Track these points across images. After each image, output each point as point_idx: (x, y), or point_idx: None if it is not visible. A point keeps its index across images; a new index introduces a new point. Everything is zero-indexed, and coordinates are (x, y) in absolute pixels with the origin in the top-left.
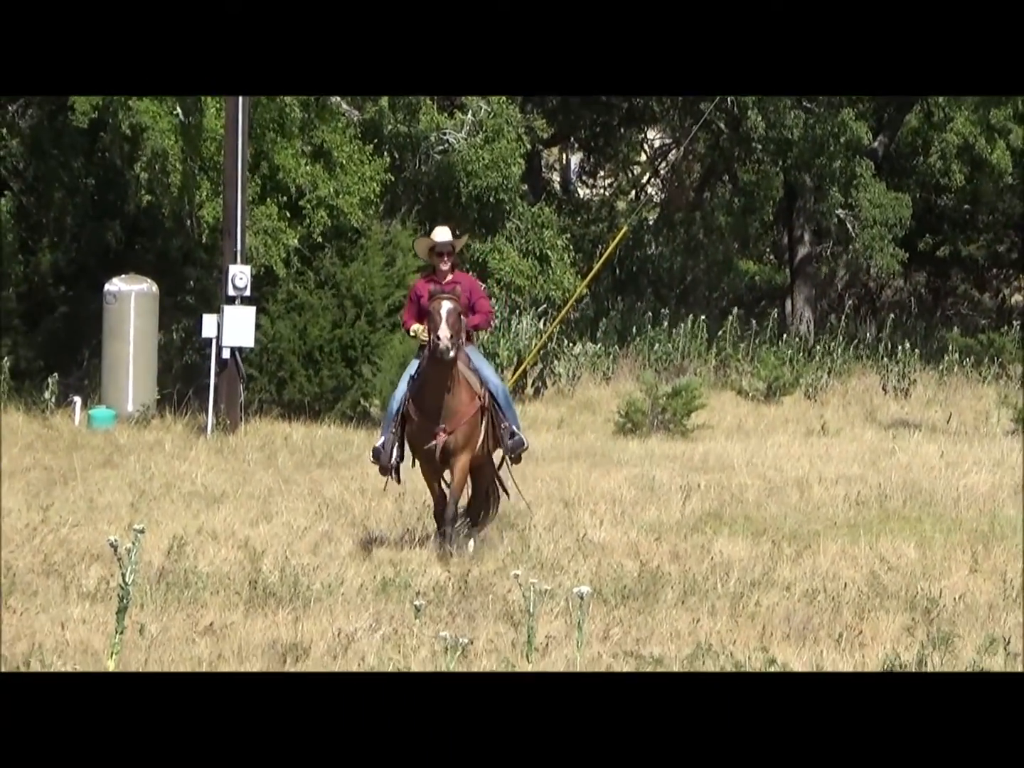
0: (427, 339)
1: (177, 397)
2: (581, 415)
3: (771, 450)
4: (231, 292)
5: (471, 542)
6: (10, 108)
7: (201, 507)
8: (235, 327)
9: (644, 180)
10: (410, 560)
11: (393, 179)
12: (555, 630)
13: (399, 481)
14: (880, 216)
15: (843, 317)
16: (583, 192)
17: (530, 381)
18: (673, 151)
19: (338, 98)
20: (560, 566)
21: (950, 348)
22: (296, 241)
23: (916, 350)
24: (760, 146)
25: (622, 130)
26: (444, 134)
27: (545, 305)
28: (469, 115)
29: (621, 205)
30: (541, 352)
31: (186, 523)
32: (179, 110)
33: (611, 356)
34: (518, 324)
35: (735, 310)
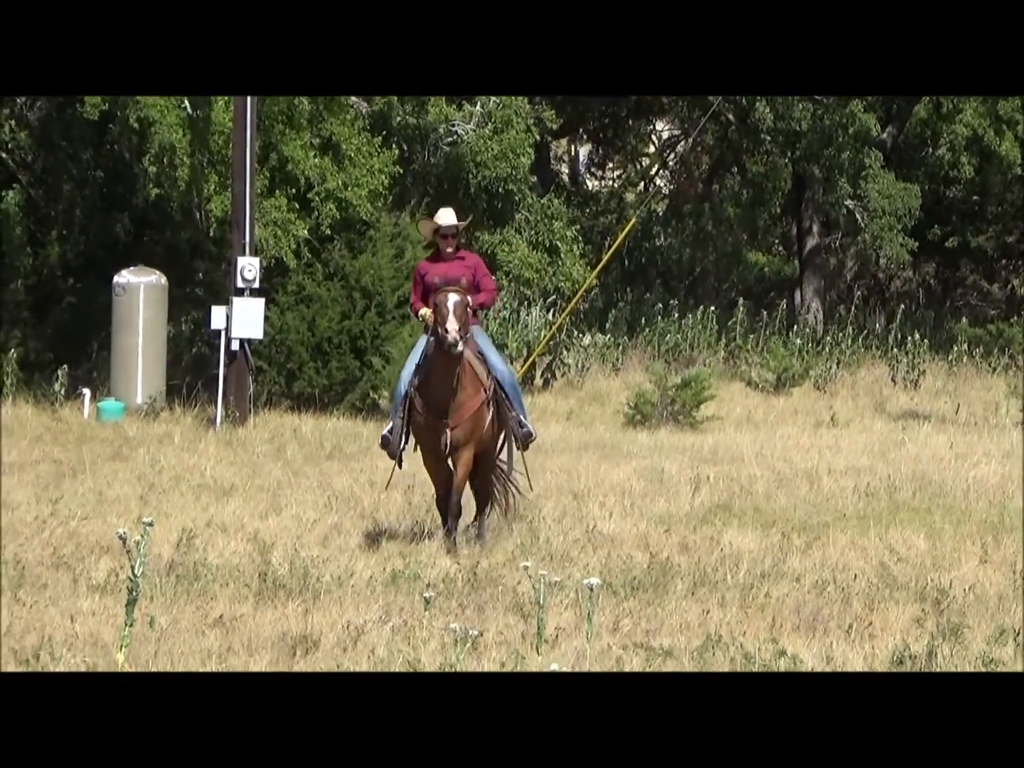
0: (434, 330)
1: (186, 389)
2: (590, 406)
3: (780, 441)
4: (240, 284)
5: (483, 532)
6: (19, 101)
7: (210, 499)
8: (244, 319)
9: (653, 172)
10: (419, 552)
11: (402, 171)
12: (565, 622)
13: (400, 466)
14: (889, 206)
15: (852, 308)
16: (592, 184)
17: (539, 372)
18: (682, 143)
19: None
20: (570, 558)
21: (959, 339)
22: (306, 232)
23: (925, 341)
24: (769, 138)
25: (631, 122)
26: (453, 126)
27: (554, 296)
28: (478, 107)
29: (630, 197)
30: (550, 343)
31: (195, 515)
32: (187, 104)
33: (620, 347)
34: (527, 316)
35: (744, 301)
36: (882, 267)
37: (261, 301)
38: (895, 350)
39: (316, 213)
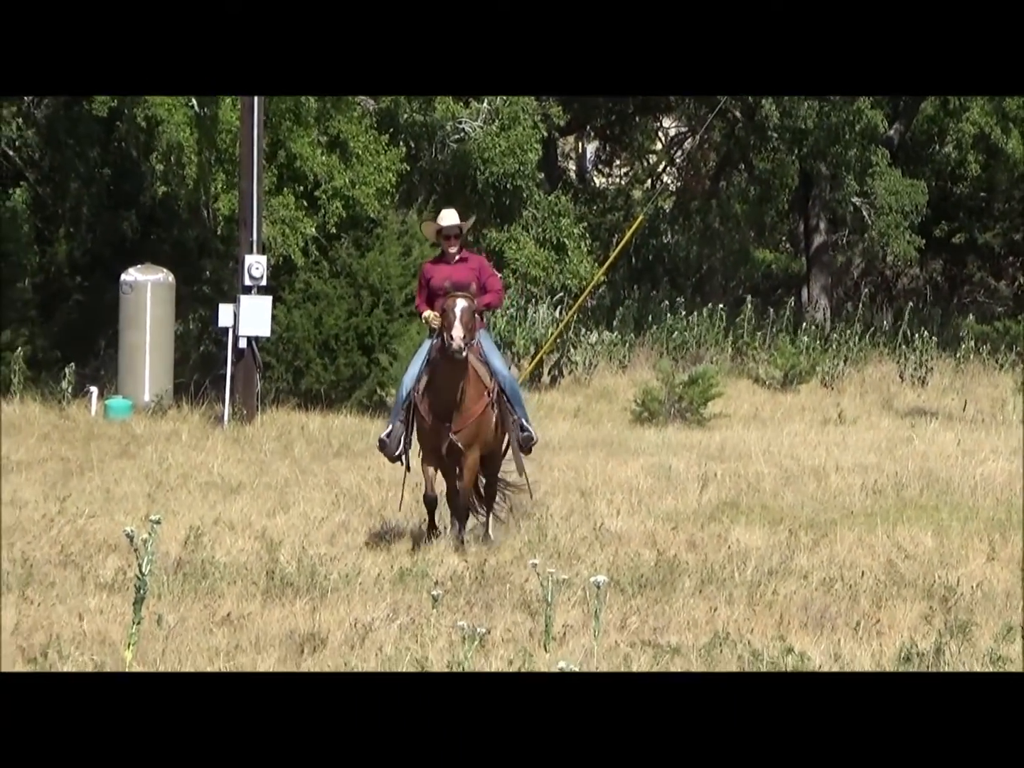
0: (440, 332)
1: (194, 387)
2: (598, 404)
3: (788, 438)
4: (247, 282)
5: (491, 529)
6: (26, 99)
7: (218, 497)
8: (251, 317)
9: (660, 169)
10: (427, 550)
11: (409, 169)
12: (572, 619)
13: (409, 469)
14: (896, 203)
15: (859, 305)
16: (599, 181)
17: (547, 370)
18: (689, 140)
19: None
20: (577, 555)
21: (966, 336)
22: (313, 230)
23: (933, 338)
24: (775, 135)
25: (638, 119)
26: (460, 122)
27: (562, 294)
28: (485, 104)
29: (637, 194)
30: (558, 341)
31: (203, 513)
32: (194, 102)
33: (627, 345)
34: (535, 313)
35: (751, 298)
36: (889, 264)
37: (268, 299)
38: (902, 347)
39: (323, 211)
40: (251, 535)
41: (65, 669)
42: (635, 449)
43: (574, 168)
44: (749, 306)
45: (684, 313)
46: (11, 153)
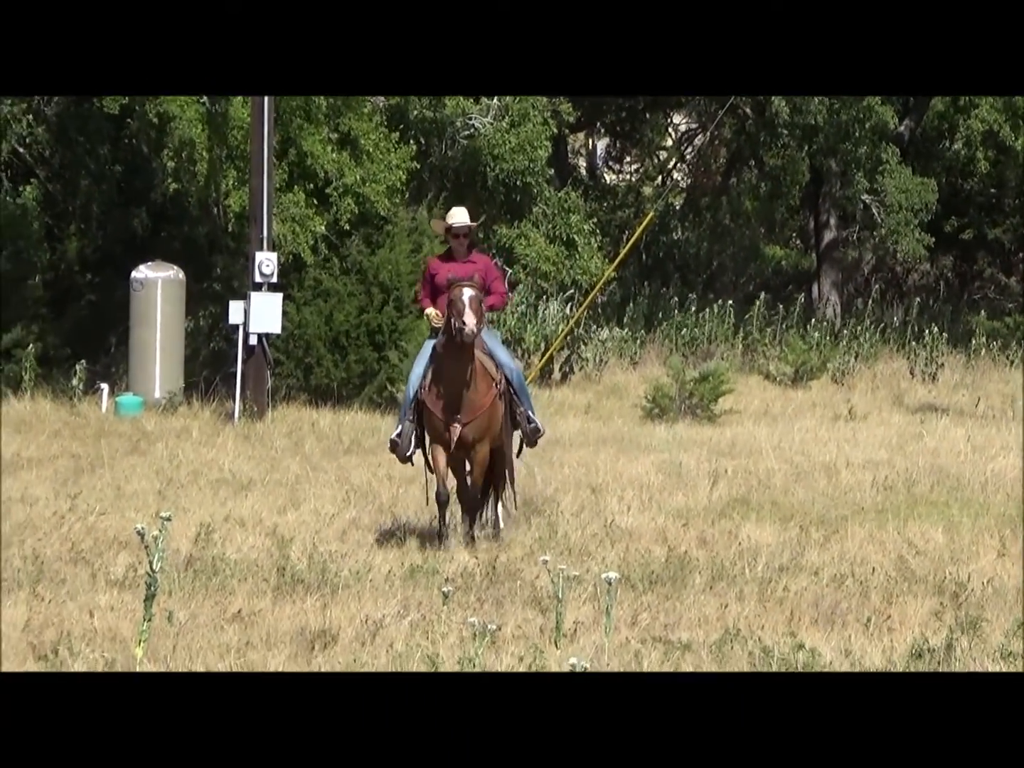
0: (443, 325)
1: (204, 384)
2: (608, 400)
3: (798, 435)
4: (258, 279)
5: (498, 528)
6: (35, 96)
7: (229, 494)
8: (262, 314)
9: (670, 165)
10: (438, 546)
11: (419, 166)
12: (583, 616)
13: (426, 463)
14: (906, 201)
15: (870, 301)
16: (609, 178)
17: (557, 366)
18: (699, 136)
19: None
20: (588, 552)
21: (977, 332)
22: (323, 228)
23: (943, 334)
24: (786, 131)
25: (648, 115)
26: (470, 119)
27: (572, 290)
28: (495, 100)
29: (647, 190)
30: (568, 337)
31: (214, 510)
32: (205, 99)
33: (638, 341)
34: (545, 310)
35: (762, 295)
36: (899, 260)
37: (279, 296)
38: (913, 343)
39: (334, 208)
40: (262, 532)
41: (76, 666)
42: (646, 446)
43: (584, 165)
44: (760, 302)
45: (694, 309)
46: (21, 150)
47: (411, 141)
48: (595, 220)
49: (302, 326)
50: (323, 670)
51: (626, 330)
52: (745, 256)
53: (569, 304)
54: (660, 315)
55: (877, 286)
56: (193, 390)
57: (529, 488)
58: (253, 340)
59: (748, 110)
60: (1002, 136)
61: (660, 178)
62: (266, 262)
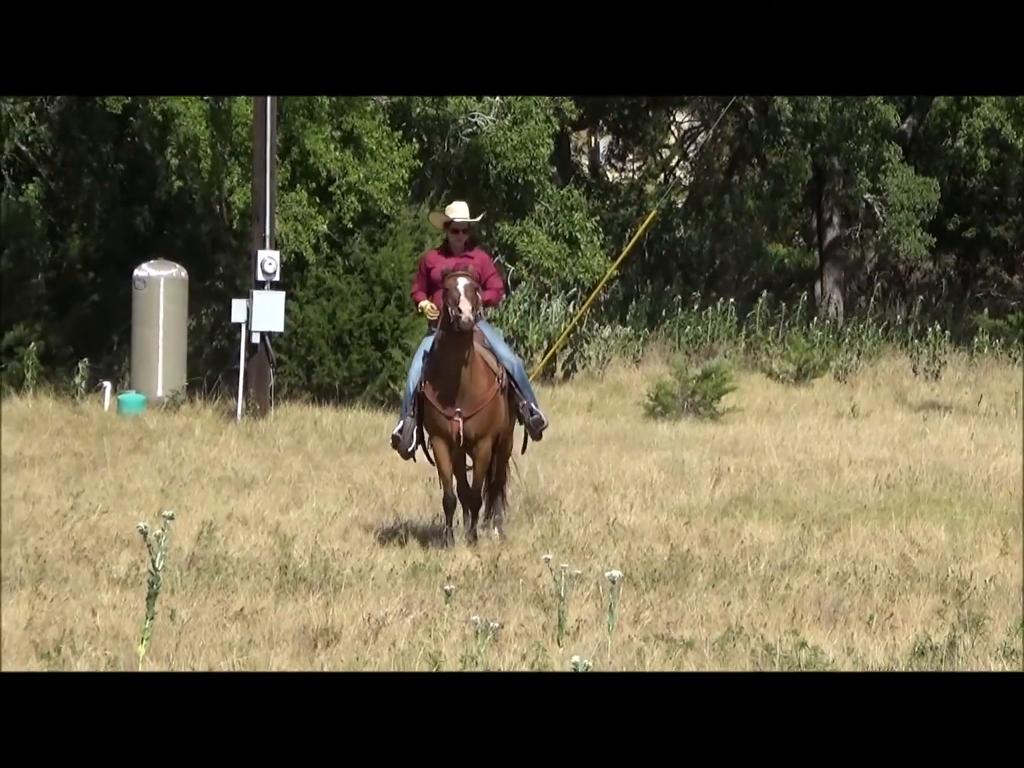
0: (437, 316)
1: (207, 382)
2: (611, 398)
3: (801, 433)
4: (260, 277)
5: (498, 525)
6: (39, 95)
7: (231, 492)
8: (264, 312)
9: (673, 163)
10: (440, 545)
11: (422, 164)
12: (586, 614)
13: (428, 460)
14: (908, 201)
15: (872, 299)
16: (612, 175)
17: (560, 364)
18: (702, 134)
19: None
20: (590, 550)
21: (980, 330)
22: (326, 227)
23: (946, 332)
24: (788, 130)
25: (650, 113)
26: (472, 116)
27: (575, 288)
28: (497, 98)
29: (650, 188)
30: (571, 335)
31: (216, 508)
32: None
33: (641, 339)
34: (548, 308)
35: (764, 293)
36: (902, 259)
37: (281, 294)
38: (916, 341)
39: (337, 206)
40: (264, 530)
41: (78, 664)
42: (648, 444)
43: (587, 162)
44: (762, 300)
45: (697, 308)
46: (24, 149)
47: (413, 139)
48: (598, 218)
49: (305, 324)
50: (325, 668)
51: (629, 328)
52: (748, 254)
53: (572, 302)
54: (663, 313)
55: (880, 284)
56: (196, 388)
57: (532, 486)
58: (256, 338)
59: (751, 108)
60: (1004, 134)
61: (663, 176)
62: (269, 260)
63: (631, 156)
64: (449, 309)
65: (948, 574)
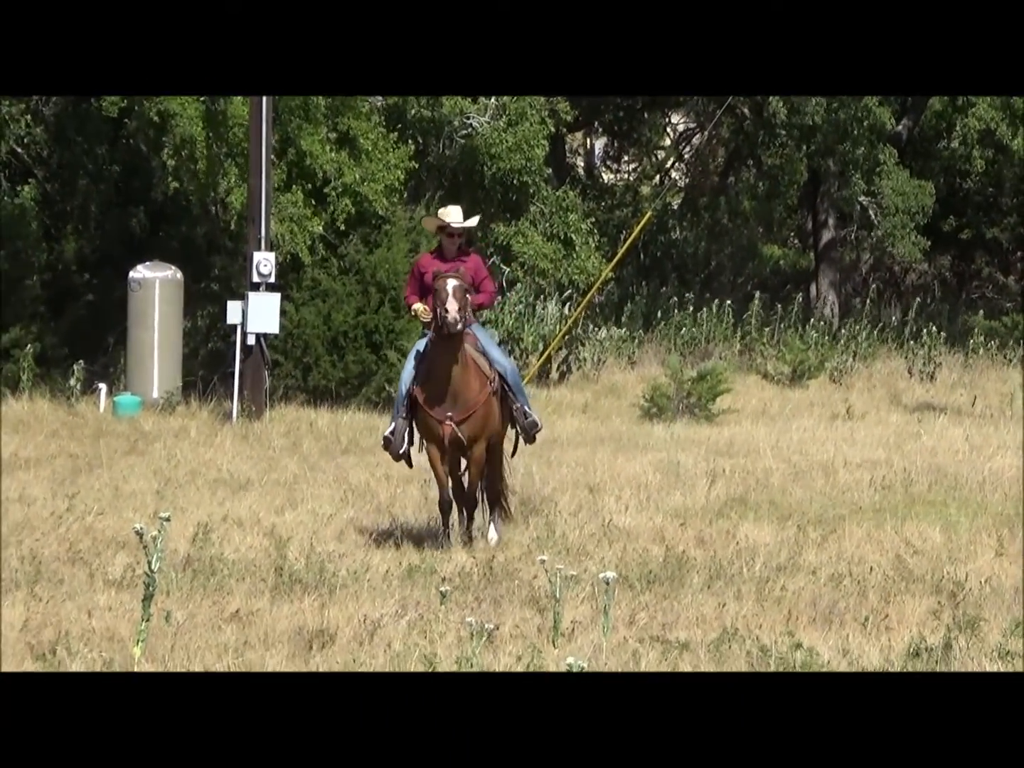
0: (429, 318)
1: (202, 384)
2: (606, 400)
3: (796, 434)
4: (255, 279)
5: (493, 527)
6: (34, 96)
7: (226, 494)
8: (260, 314)
9: (668, 165)
10: (436, 546)
11: (417, 165)
12: (581, 615)
13: (411, 466)
14: (903, 204)
15: (867, 301)
16: (607, 177)
17: (555, 366)
18: (697, 135)
19: None
20: (586, 551)
21: (975, 331)
22: (321, 228)
23: (941, 333)
24: (784, 131)
25: (646, 115)
26: (467, 118)
27: (570, 290)
28: (492, 99)
29: (645, 190)
30: (566, 337)
31: (211, 510)
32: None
33: (636, 341)
34: (543, 309)
35: (760, 294)
36: (897, 260)
37: (277, 296)
38: (911, 343)
39: (332, 208)
40: (260, 532)
41: (74, 666)
42: (643, 445)
43: (582, 164)
44: (757, 302)
45: (692, 309)
46: (19, 150)
47: (409, 140)
48: (593, 219)
49: (300, 326)
50: (321, 670)
51: (624, 330)
52: (743, 256)
53: (567, 304)
54: (658, 315)
55: (875, 285)
56: (191, 390)
57: (527, 488)
58: (251, 340)
59: (746, 110)
60: (999, 135)
61: (658, 177)
62: (264, 262)
63: (626, 157)
64: (437, 310)
65: (943, 575)
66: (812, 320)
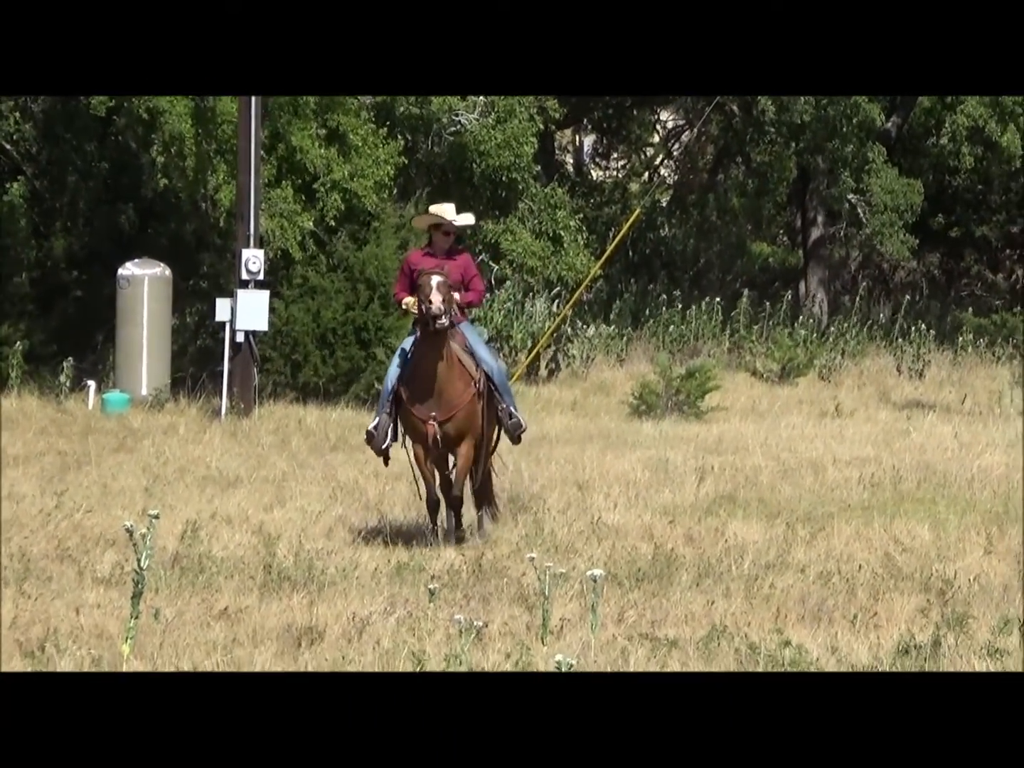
0: (417, 312)
1: (191, 381)
2: (595, 397)
3: (785, 432)
4: (244, 276)
5: (483, 525)
6: (22, 96)
7: (215, 491)
8: (249, 311)
9: (657, 162)
10: (424, 544)
11: (406, 162)
12: (570, 613)
13: (387, 463)
14: (891, 202)
15: (857, 298)
16: (596, 174)
17: (544, 363)
18: (686, 133)
19: None
20: (574, 549)
21: (964, 329)
22: (311, 224)
23: (930, 331)
24: (772, 129)
25: (635, 112)
26: (456, 115)
27: (559, 288)
28: (480, 96)
29: (634, 187)
30: (555, 334)
31: (200, 507)
32: None
33: (625, 338)
34: (532, 307)
35: (748, 292)
36: (886, 258)
37: (265, 293)
38: (900, 340)
39: (322, 204)
40: (248, 529)
41: (62, 663)
42: (632, 442)
43: (571, 161)
44: (746, 299)
45: (681, 306)
46: (8, 147)
47: (398, 137)
48: (581, 216)
49: (289, 323)
50: (309, 667)
51: (613, 327)
52: (732, 253)
53: (556, 301)
54: (647, 312)
55: (864, 283)
56: (180, 387)
57: (516, 485)
58: (240, 337)
59: (735, 107)
60: (988, 132)
61: (647, 175)
62: (253, 259)
63: (615, 154)
64: (422, 306)
65: (932, 573)
66: (801, 318)
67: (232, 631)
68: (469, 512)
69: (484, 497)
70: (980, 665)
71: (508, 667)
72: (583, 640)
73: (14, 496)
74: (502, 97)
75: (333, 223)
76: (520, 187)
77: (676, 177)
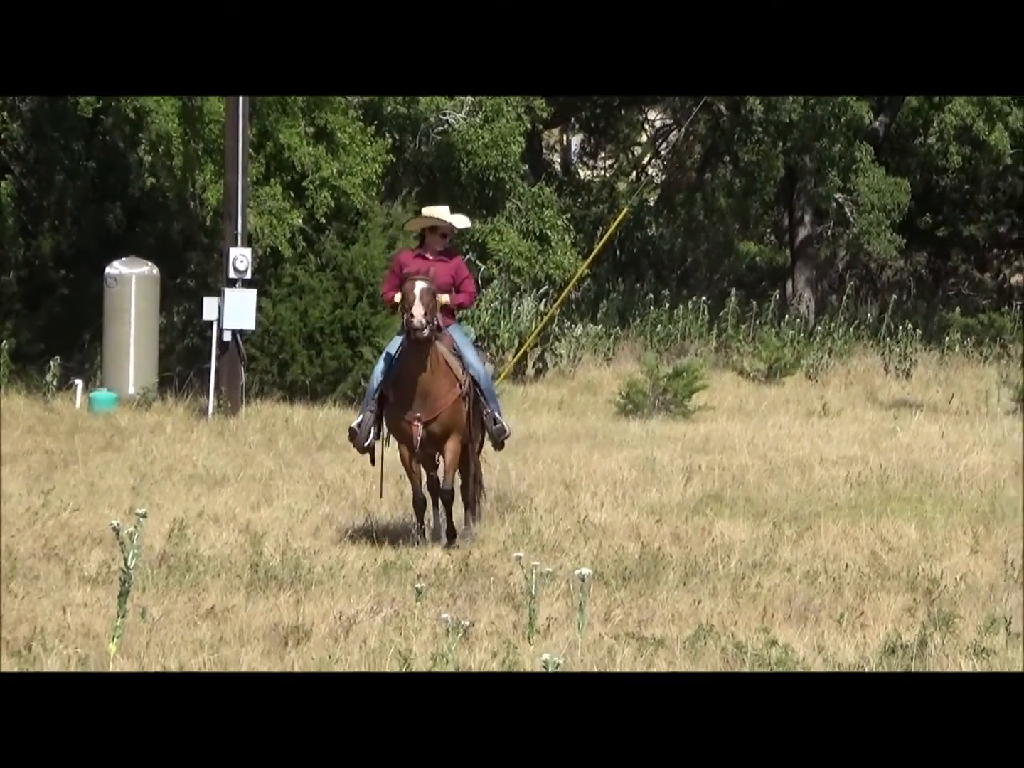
0: (401, 320)
1: (178, 380)
2: (582, 396)
3: (772, 431)
4: (232, 275)
5: (469, 525)
6: (9, 96)
7: (202, 490)
8: (236, 310)
9: (645, 161)
10: (411, 542)
11: (395, 159)
12: (556, 612)
13: (373, 462)
14: (878, 201)
15: (844, 298)
16: (584, 173)
17: (531, 363)
18: (674, 132)
19: None
20: (561, 548)
21: (951, 328)
22: (300, 221)
23: (917, 330)
24: (760, 128)
25: (623, 111)
26: (443, 114)
27: (546, 287)
28: (468, 96)
29: (622, 186)
30: (542, 334)
31: (187, 506)
32: None
33: (612, 337)
34: (519, 306)
35: (736, 291)
36: (874, 257)
37: (253, 292)
38: (887, 339)
39: (310, 202)
40: (235, 528)
41: (49, 662)
42: (619, 442)
43: (559, 160)
44: (733, 299)
45: (668, 306)
46: None
47: (386, 135)
48: (569, 216)
49: (277, 322)
50: (296, 666)
51: (600, 326)
52: (719, 252)
53: (543, 300)
54: (634, 311)
55: (851, 282)
56: (167, 386)
57: (503, 484)
58: (227, 336)
59: (723, 107)
60: (976, 131)
61: (634, 174)
62: (240, 258)
63: (603, 154)
64: (405, 316)
65: (919, 572)
66: (788, 317)
67: (219, 630)
68: (459, 512)
69: (469, 500)
70: (966, 664)
71: (495, 666)
72: (570, 639)
73: (1, 495)
74: (490, 96)
75: (323, 220)
76: (507, 186)
77: (664, 176)
